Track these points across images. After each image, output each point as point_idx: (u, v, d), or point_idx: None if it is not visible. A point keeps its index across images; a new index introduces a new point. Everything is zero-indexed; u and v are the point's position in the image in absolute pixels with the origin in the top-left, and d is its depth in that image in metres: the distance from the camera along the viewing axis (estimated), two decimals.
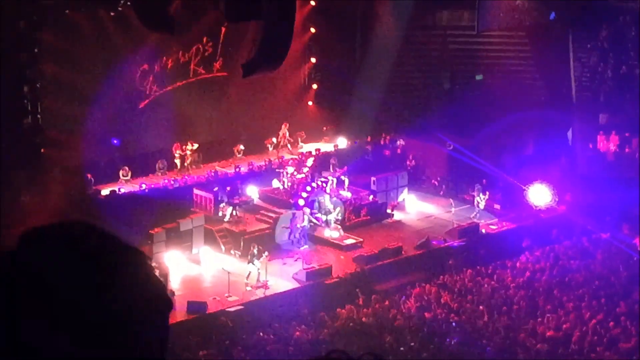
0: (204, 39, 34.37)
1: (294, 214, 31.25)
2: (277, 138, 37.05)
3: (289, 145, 37.20)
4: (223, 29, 34.31)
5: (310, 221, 31.36)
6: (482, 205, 33.39)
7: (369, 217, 33.13)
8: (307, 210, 31.47)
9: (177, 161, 33.91)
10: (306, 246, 30.84)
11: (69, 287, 1.86)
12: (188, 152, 34.04)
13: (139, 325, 1.93)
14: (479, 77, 38.39)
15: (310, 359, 1.97)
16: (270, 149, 36.35)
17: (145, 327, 1.95)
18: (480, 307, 26.69)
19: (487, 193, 33.50)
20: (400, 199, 34.91)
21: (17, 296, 1.84)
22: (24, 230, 1.96)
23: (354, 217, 32.77)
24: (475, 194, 33.61)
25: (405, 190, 35.33)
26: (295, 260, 29.60)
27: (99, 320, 1.85)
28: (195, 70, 34.56)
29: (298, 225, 30.96)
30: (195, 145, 34.17)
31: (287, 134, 37.39)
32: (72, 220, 2.01)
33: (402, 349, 24.35)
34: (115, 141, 32.44)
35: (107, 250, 1.96)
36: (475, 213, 33.28)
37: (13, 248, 1.94)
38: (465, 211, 33.74)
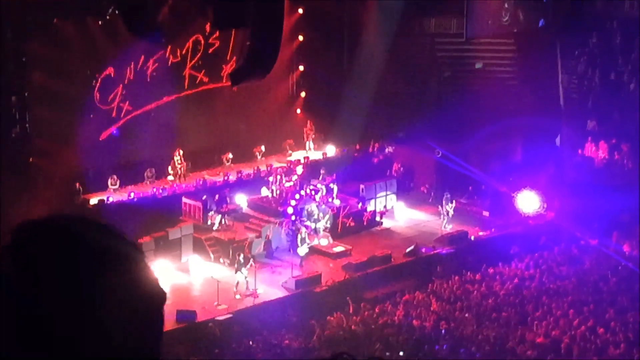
0: (193, 46, 34.33)
1: (267, 231, 31.18)
2: (305, 136, 37.65)
3: (310, 143, 37.37)
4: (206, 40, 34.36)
5: (287, 239, 31.08)
6: (450, 213, 33.32)
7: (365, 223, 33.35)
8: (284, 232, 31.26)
9: (178, 166, 33.69)
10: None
11: (66, 283, 1.83)
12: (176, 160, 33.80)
13: (135, 322, 1.93)
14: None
15: (316, 358, 1.95)
16: (259, 157, 36.31)
17: (142, 324, 1.96)
18: (469, 315, 26.70)
19: (454, 201, 33.48)
20: (388, 206, 34.92)
21: (14, 292, 1.81)
22: (20, 222, 1.93)
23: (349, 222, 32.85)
24: (443, 202, 33.55)
25: (394, 197, 35.34)
26: (273, 272, 29.61)
27: (96, 317, 1.83)
28: (186, 79, 34.51)
29: (271, 238, 30.88)
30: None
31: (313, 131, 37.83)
32: (68, 214, 1.99)
33: (389, 354, 24.34)
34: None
35: (103, 244, 1.93)
36: (444, 222, 33.23)
37: (6, 242, 1.89)
38: (451, 220, 33.67)
